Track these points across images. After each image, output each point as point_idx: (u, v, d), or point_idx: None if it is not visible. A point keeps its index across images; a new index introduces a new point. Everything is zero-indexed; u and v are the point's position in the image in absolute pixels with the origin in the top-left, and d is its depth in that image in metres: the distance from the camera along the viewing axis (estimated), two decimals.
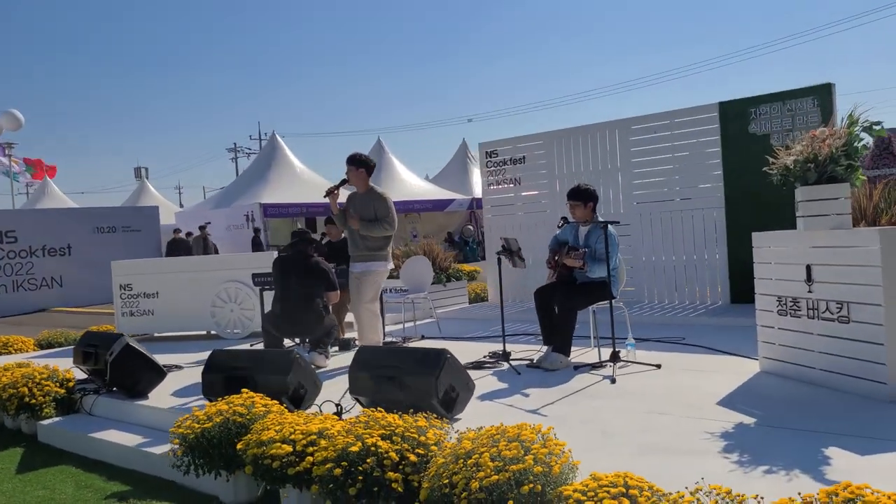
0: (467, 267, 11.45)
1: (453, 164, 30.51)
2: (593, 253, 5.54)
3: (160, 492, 4.18)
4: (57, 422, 5.54)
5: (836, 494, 2.31)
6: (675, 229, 8.38)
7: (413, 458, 3.22)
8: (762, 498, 2.48)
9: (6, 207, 26.15)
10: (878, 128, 4.38)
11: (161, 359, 5.79)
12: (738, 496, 2.45)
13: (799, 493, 2.41)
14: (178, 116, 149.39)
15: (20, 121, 21.43)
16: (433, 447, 3.30)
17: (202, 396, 4.87)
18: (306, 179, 24.39)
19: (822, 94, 7.33)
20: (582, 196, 5.65)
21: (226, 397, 4.19)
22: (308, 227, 20.62)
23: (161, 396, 5.37)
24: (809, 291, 4.33)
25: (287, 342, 6.44)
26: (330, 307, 6.46)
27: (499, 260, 6.00)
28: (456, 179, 28.80)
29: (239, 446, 3.74)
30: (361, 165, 6.15)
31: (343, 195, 6.31)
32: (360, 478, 3.15)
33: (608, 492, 2.55)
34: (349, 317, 7.02)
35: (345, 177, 6.19)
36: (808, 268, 4.31)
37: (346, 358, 5.49)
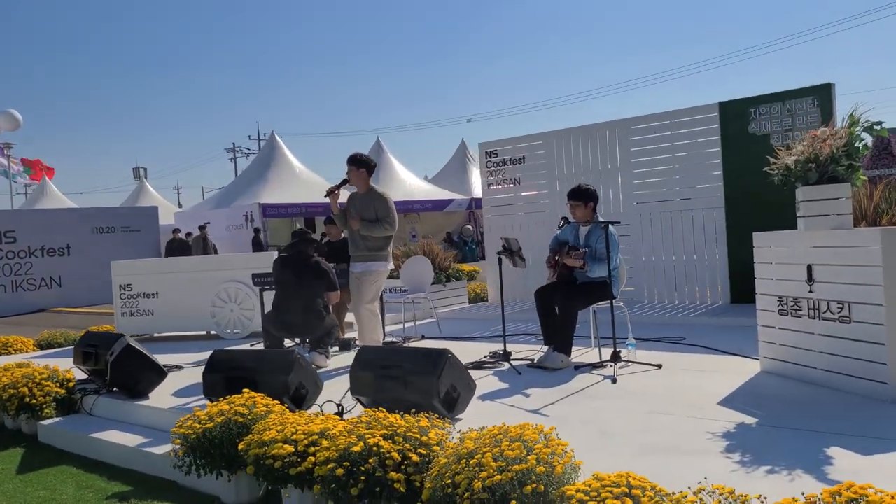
0: (467, 267, 11.45)
1: (452, 164, 30.50)
2: (594, 253, 5.55)
3: (161, 492, 4.18)
4: (57, 422, 5.54)
5: (840, 494, 2.30)
6: (675, 229, 8.39)
7: (415, 458, 3.21)
8: (765, 498, 2.48)
9: (5, 208, 26.16)
10: (878, 128, 4.38)
11: (161, 359, 5.79)
12: (742, 496, 2.44)
13: (802, 493, 2.41)
14: (178, 116, 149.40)
15: (18, 121, 21.46)
16: (435, 447, 3.29)
17: (203, 396, 4.87)
18: (305, 179, 24.38)
19: (822, 95, 7.34)
20: (582, 196, 5.66)
21: (227, 397, 4.18)
22: (307, 227, 20.59)
23: (161, 397, 5.37)
24: (810, 291, 4.33)
25: (287, 342, 6.44)
26: (330, 307, 6.46)
27: (499, 260, 6.00)
28: (455, 179, 28.79)
29: (240, 446, 3.74)
30: (362, 165, 6.15)
31: (343, 195, 6.31)
32: (363, 478, 3.15)
33: (611, 492, 2.54)
34: (349, 317, 7.03)
35: (345, 177, 6.19)
36: (809, 268, 4.31)
37: (347, 358, 5.50)
